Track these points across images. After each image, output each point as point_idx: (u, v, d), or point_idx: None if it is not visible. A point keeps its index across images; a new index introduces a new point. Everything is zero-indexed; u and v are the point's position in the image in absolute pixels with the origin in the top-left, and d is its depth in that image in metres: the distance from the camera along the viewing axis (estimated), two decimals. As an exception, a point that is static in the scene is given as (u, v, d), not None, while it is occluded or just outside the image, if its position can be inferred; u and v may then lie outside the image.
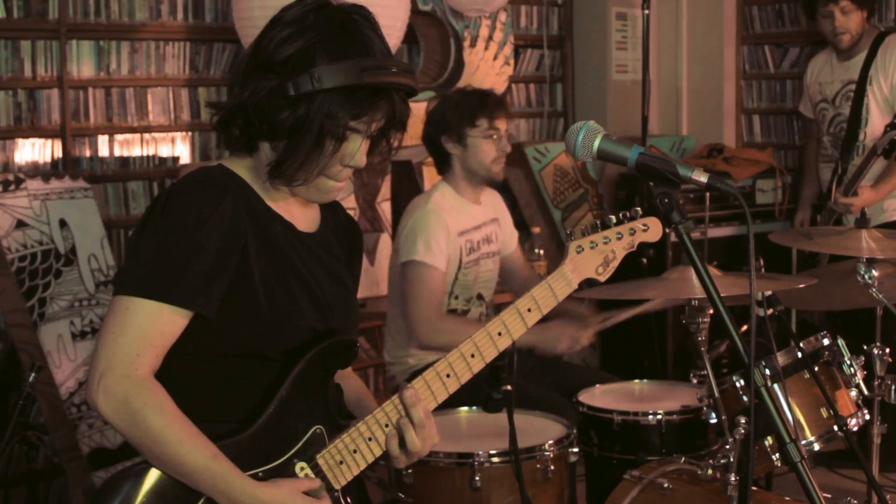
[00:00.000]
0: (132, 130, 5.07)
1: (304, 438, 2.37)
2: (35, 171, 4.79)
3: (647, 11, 5.25)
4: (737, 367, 3.53)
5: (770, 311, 3.41)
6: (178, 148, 5.17)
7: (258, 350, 2.33)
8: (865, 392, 3.56)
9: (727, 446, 3.18)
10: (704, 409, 3.41)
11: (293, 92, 2.23)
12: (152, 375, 2.24)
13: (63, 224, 4.30)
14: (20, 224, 4.33)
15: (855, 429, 3.44)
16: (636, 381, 4.32)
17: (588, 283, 2.63)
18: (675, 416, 3.81)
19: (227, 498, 2.23)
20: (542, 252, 5.77)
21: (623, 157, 2.08)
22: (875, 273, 3.66)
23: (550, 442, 3.45)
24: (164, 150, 5.14)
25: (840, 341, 3.54)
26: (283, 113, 2.25)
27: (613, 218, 2.59)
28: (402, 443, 2.40)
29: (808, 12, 5.61)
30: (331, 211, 2.60)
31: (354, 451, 2.39)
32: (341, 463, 2.39)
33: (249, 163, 2.40)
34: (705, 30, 6.91)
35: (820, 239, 3.93)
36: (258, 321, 2.31)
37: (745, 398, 3.35)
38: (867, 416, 3.54)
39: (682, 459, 3.57)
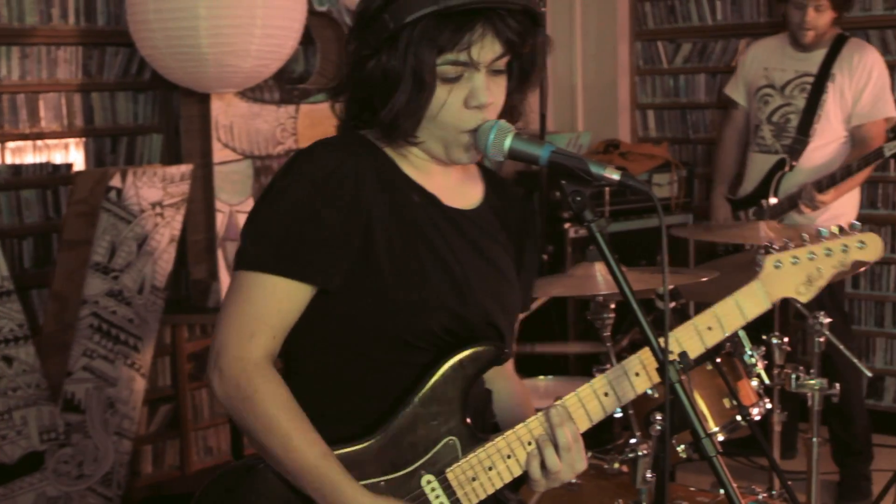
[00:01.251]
0: (24, 137, 4.96)
1: (435, 449, 2.16)
2: (-76, 180, 4.68)
3: (544, 9, 5.27)
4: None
5: (673, 305, 3.45)
6: (72, 154, 5.07)
7: (393, 335, 2.13)
8: (767, 381, 3.62)
9: (633, 440, 3.21)
10: (610, 403, 3.44)
11: (374, 43, 2.07)
12: (269, 359, 2.09)
13: (-45, 234, 4.20)
14: (-90, 235, 4.25)
15: (758, 418, 3.50)
16: (540, 377, 4.34)
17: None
18: (581, 411, 3.82)
19: (331, 502, 2.06)
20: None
21: (535, 156, 2.04)
22: (774, 264, 3.71)
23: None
24: (58, 157, 5.04)
25: (741, 332, 3.60)
26: (371, 63, 2.08)
27: (826, 231, 2.39)
28: (544, 463, 2.15)
29: None
30: (497, 188, 2.37)
31: (490, 468, 2.15)
32: (474, 479, 2.15)
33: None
34: (599, 27, 6.96)
35: (718, 231, 3.97)
36: (384, 298, 2.11)
37: (649, 391, 3.39)
38: (769, 406, 3.61)
39: (590, 454, 3.60)
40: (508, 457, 2.15)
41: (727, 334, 2.33)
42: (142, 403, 4.75)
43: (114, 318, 4.51)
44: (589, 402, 2.20)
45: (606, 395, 2.21)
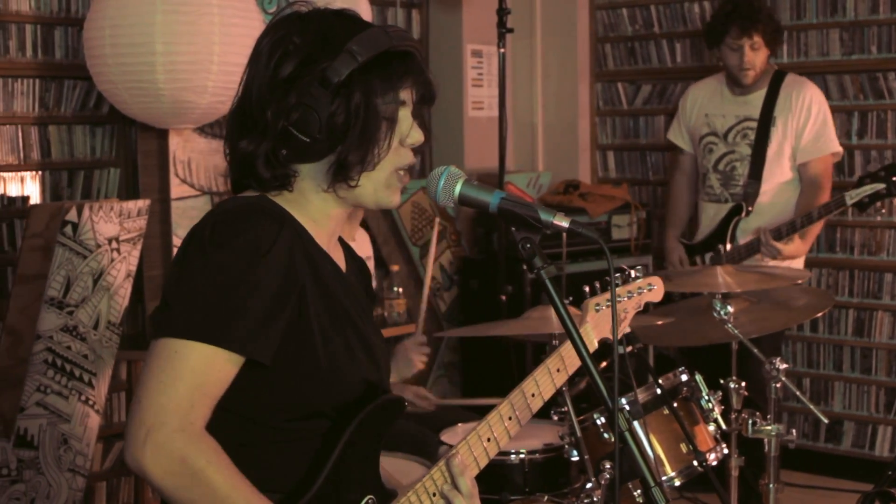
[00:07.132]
0: (-21, 170, 4.94)
1: None
2: None
3: (503, 50, 5.29)
4: (597, 403, 3.56)
5: (630, 349, 3.44)
6: (28, 187, 5.04)
7: (314, 408, 2.10)
8: (724, 427, 3.62)
9: (588, 485, 3.20)
10: (566, 446, 3.44)
11: (336, 78, 2.03)
12: (205, 430, 1.98)
13: None
14: None
15: (714, 463, 3.49)
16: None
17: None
18: (537, 454, 3.79)
19: None
20: (401, 290, 5.75)
21: (484, 203, 2.04)
22: (730, 309, 3.72)
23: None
24: (13, 190, 5.00)
25: (698, 377, 3.60)
26: (332, 107, 2.05)
27: (620, 277, 2.57)
28: None
29: (711, 42, 5.38)
30: (347, 250, 2.36)
31: None
32: None
33: (290, 196, 2.16)
34: (560, 67, 6.99)
35: (677, 279, 3.98)
36: (315, 374, 2.08)
37: (605, 435, 3.38)
38: (725, 451, 3.60)
39: (546, 498, 3.58)
40: None
41: (570, 374, 2.45)
42: (96, 440, 4.70)
43: (68, 354, 4.46)
44: (476, 448, 2.27)
45: (489, 440, 2.29)
